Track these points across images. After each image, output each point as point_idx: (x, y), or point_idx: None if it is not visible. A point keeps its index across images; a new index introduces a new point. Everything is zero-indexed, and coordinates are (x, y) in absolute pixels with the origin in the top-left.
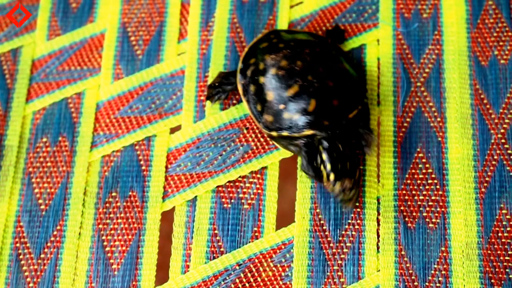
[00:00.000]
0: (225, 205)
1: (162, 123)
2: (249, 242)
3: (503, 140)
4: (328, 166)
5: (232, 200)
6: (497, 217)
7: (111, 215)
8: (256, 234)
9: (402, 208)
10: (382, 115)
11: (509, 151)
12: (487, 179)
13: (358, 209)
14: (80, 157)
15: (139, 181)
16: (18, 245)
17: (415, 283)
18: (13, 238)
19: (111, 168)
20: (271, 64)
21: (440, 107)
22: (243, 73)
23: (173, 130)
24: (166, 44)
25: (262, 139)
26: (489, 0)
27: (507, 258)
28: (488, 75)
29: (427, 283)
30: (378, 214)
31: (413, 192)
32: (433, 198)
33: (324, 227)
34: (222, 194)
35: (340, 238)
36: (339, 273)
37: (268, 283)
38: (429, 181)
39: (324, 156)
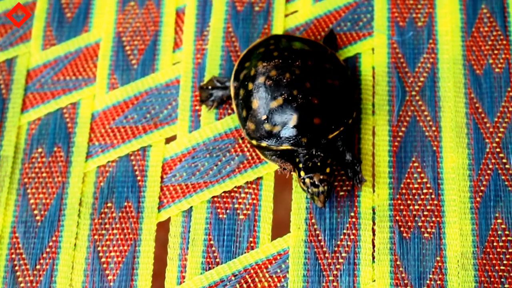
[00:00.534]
0: (220, 216)
1: (157, 133)
2: (245, 252)
3: (498, 149)
4: (302, 173)
5: (228, 211)
6: (492, 226)
7: (107, 226)
8: (252, 244)
9: (397, 218)
10: (377, 125)
11: (504, 160)
12: (482, 188)
13: (354, 219)
14: (76, 168)
15: (135, 192)
16: (13, 256)
17: None
18: (9, 249)
19: (107, 179)
20: (261, 72)
21: (435, 116)
22: (237, 75)
23: (168, 140)
24: (161, 54)
25: None
26: (483, 9)
27: (502, 268)
28: (483, 84)
29: None
30: (374, 224)
31: (408, 201)
32: (428, 207)
33: (320, 237)
34: (217, 205)
35: (336, 248)
36: (335, 284)
37: None
38: (424, 191)
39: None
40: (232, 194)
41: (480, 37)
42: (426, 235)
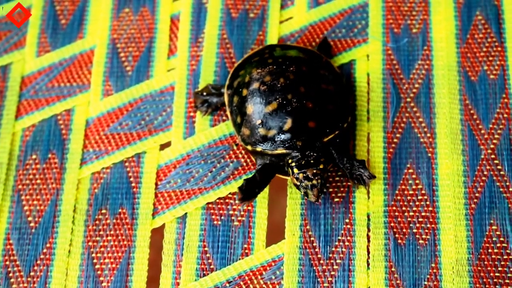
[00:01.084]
0: (215, 222)
1: (152, 140)
2: (239, 259)
3: (492, 156)
4: (296, 170)
5: (222, 217)
6: (487, 233)
7: (101, 232)
8: (246, 251)
9: (392, 224)
10: (372, 131)
11: (498, 167)
12: (477, 195)
13: (348, 226)
14: (70, 174)
15: (129, 198)
16: (7, 263)
17: None
18: (3, 256)
19: (101, 185)
20: (255, 78)
21: (430, 122)
22: (231, 83)
23: (163, 147)
24: (156, 60)
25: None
26: (478, 15)
27: (497, 274)
28: (477, 90)
29: None
30: (368, 230)
31: (403, 208)
32: (423, 214)
33: (314, 244)
34: (212, 211)
35: (330, 255)
36: None
37: None
38: (419, 197)
39: (293, 165)
40: (227, 200)
41: (475, 44)
42: (421, 241)
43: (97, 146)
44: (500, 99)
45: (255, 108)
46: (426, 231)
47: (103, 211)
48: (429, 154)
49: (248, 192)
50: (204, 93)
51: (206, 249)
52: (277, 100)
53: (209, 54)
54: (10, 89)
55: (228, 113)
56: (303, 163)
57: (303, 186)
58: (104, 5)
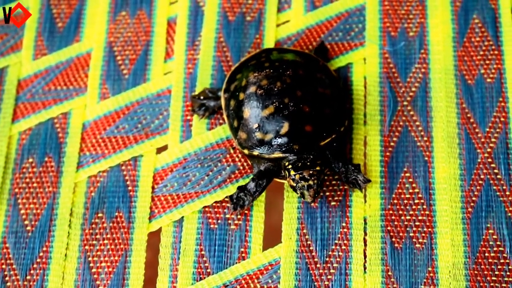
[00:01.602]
0: (211, 226)
1: (148, 143)
2: (236, 263)
3: (489, 159)
4: (292, 172)
5: (219, 221)
6: (483, 237)
7: (98, 236)
8: (243, 255)
9: (389, 228)
10: (368, 135)
11: (495, 171)
12: (473, 198)
13: (345, 230)
14: (66, 178)
15: (126, 202)
16: (4, 266)
17: None
18: None
19: (98, 189)
20: (252, 82)
21: (427, 126)
22: (228, 87)
23: (159, 150)
24: (153, 64)
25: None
26: (475, 19)
27: (493, 278)
28: (474, 94)
29: None
30: (365, 234)
31: (400, 212)
32: (420, 218)
33: (311, 248)
34: (208, 215)
35: (327, 259)
36: None
37: None
38: (416, 201)
39: (290, 167)
40: (224, 204)
41: (471, 47)
42: (417, 245)
43: (93, 150)
44: (497, 103)
45: (252, 112)
46: (423, 235)
47: (100, 214)
48: (426, 158)
49: (239, 202)
50: (201, 97)
51: (202, 252)
52: (274, 104)
53: (206, 57)
54: (6, 92)
55: (225, 116)
56: (299, 165)
57: (299, 187)
58: (101, 8)
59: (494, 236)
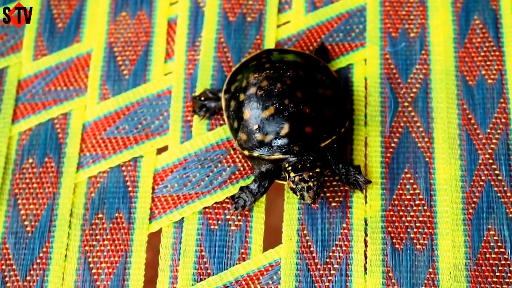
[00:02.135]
0: (212, 227)
1: (148, 144)
2: (236, 264)
3: (490, 161)
4: (292, 174)
5: (219, 222)
6: (484, 238)
7: (98, 237)
8: (243, 255)
9: (389, 229)
10: (369, 135)
11: (496, 172)
12: (474, 200)
13: (346, 231)
14: (66, 178)
15: (126, 203)
16: (3, 267)
17: None
18: None
19: (98, 189)
20: (252, 83)
21: (428, 127)
22: (228, 88)
23: (159, 151)
24: (153, 64)
25: None
26: (476, 20)
27: (494, 279)
28: (475, 95)
29: None
30: (366, 235)
31: (401, 213)
32: (420, 219)
33: (312, 249)
34: (209, 216)
35: (328, 260)
36: None
37: None
38: (417, 202)
39: (289, 168)
40: (224, 205)
41: (472, 48)
42: (418, 246)
43: (93, 150)
44: (498, 104)
45: (252, 113)
46: (424, 236)
47: (100, 215)
48: (427, 159)
49: (240, 202)
50: (202, 98)
51: (203, 253)
52: (274, 105)
53: (206, 58)
54: (6, 93)
55: (225, 117)
56: (299, 166)
57: (299, 188)
58: (101, 9)
59: (495, 238)
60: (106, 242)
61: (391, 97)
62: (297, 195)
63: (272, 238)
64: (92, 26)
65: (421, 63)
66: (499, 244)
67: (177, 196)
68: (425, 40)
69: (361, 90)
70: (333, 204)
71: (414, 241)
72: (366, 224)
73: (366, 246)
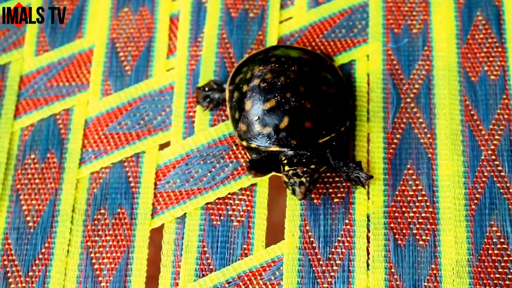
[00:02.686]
0: (214, 222)
1: (151, 140)
2: (239, 259)
3: (493, 157)
4: (286, 167)
5: (222, 217)
6: (487, 234)
7: (100, 233)
8: (246, 251)
9: (392, 225)
10: (371, 131)
11: (499, 168)
12: (477, 196)
13: (348, 226)
14: (69, 174)
15: (128, 198)
16: (6, 262)
17: None
18: (1, 255)
19: (100, 185)
20: (256, 75)
21: (430, 123)
22: (233, 79)
23: (162, 147)
24: (155, 60)
25: None
26: (479, 16)
27: (497, 275)
28: (478, 91)
29: None
30: (368, 231)
31: (403, 209)
32: (423, 215)
33: (314, 245)
34: (211, 211)
35: (330, 256)
36: None
37: None
38: (419, 198)
39: (285, 161)
40: (226, 200)
41: (475, 44)
42: (421, 242)
43: (96, 146)
44: (500, 100)
45: (254, 104)
46: (426, 232)
47: (102, 211)
48: (429, 155)
49: (256, 167)
50: (206, 89)
51: (205, 249)
52: (276, 98)
53: (208, 53)
54: (8, 88)
55: (227, 108)
56: (295, 161)
57: (292, 182)
58: (103, 5)
59: (498, 234)
60: (108, 238)
61: (393, 93)
62: (289, 189)
63: (275, 234)
64: (94, 22)
65: (423, 59)
66: (502, 240)
67: (179, 192)
68: (428, 36)
69: (364, 86)
70: (336, 200)
71: (417, 237)
72: (368, 220)
73: (368, 242)
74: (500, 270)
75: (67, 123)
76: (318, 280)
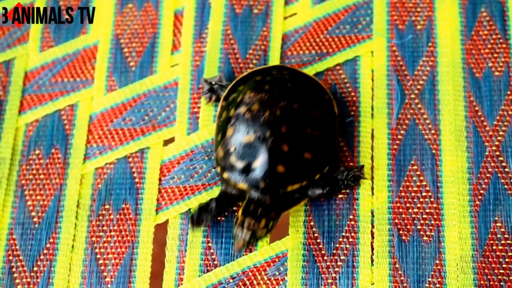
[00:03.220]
0: (218, 218)
1: (155, 135)
2: (243, 255)
3: (497, 153)
4: (240, 211)
5: (226, 213)
6: (491, 230)
7: (104, 228)
8: (250, 247)
9: (396, 221)
10: (376, 128)
11: (503, 164)
12: (481, 191)
13: (352, 222)
14: (73, 169)
15: (132, 194)
16: (10, 258)
17: None
18: (6, 251)
19: (104, 181)
20: (245, 102)
21: (434, 119)
22: (228, 95)
23: (166, 142)
24: (159, 56)
25: None
26: (483, 12)
27: (501, 271)
28: (482, 87)
29: None
30: (372, 227)
31: (408, 205)
32: (427, 211)
33: (318, 240)
34: None
35: (334, 251)
36: (333, 287)
37: None
38: (424, 194)
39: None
40: None
41: (479, 41)
42: (425, 238)
43: (100, 142)
44: (505, 96)
45: (234, 133)
46: (430, 227)
47: (107, 206)
48: (434, 151)
49: (198, 220)
50: (213, 82)
51: (209, 245)
52: (256, 134)
53: (213, 49)
54: (13, 84)
55: (215, 123)
56: (251, 208)
57: (234, 230)
58: (108, 1)
59: (502, 229)
60: (113, 233)
61: (397, 89)
62: (232, 231)
63: (279, 230)
64: (99, 17)
65: (428, 56)
66: (506, 236)
67: (184, 188)
68: (432, 33)
69: (368, 82)
70: (340, 195)
71: (421, 232)
72: (373, 216)
73: (372, 237)
74: (504, 265)
75: (72, 118)
76: (323, 275)
